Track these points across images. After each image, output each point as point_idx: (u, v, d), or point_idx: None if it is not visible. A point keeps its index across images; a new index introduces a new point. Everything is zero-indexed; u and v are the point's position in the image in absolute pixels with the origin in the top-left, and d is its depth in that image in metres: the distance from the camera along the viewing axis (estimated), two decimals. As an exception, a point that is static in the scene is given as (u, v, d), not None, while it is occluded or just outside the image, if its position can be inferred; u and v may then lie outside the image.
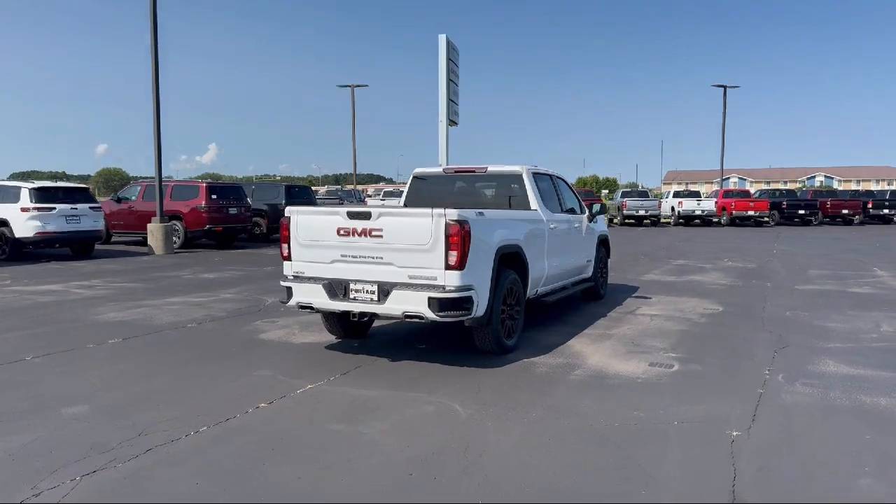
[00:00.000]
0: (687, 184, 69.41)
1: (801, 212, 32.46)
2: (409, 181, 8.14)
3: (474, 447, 4.01)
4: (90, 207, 15.05)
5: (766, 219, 31.79)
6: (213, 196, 17.50)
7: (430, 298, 5.48)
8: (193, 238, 17.71)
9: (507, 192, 7.51)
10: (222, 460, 3.82)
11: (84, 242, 15.39)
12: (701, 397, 5.00)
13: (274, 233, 20.81)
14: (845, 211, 33.05)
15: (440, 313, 5.49)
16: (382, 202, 31.06)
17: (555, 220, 7.63)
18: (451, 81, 37.81)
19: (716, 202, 31.77)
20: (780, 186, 75.06)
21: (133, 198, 18.49)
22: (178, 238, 17.23)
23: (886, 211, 34.64)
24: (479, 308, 5.69)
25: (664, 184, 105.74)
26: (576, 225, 8.50)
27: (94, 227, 15.16)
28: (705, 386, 5.32)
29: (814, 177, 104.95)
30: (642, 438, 4.16)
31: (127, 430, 4.26)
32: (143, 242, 18.15)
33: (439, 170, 8.00)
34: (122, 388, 5.23)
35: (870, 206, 34.29)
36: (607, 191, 62.38)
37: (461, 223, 5.45)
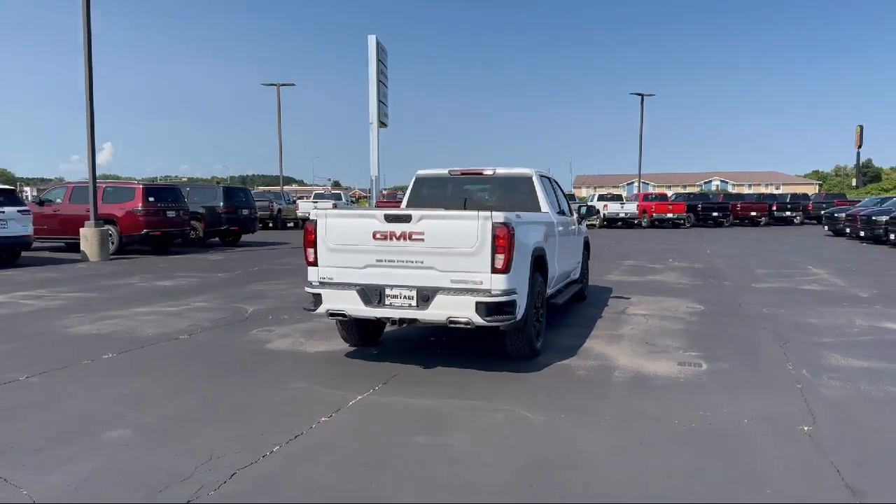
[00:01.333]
0: (596, 187, 72.18)
1: (715, 214, 34.44)
2: (412, 183, 7.96)
3: (573, 455, 3.94)
4: (18, 211, 13.78)
5: (682, 221, 33.44)
6: (151, 199, 16.48)
7: (478, 303, 5.36)
8: (128, 243, 16.62)
9: (517, 194, 7.48)
10: (326, 480, 3.56)
11: (11, 249, 14.07)
12: (748, 395, 5.14)
13: (212, 237, 19.88)
14: (753, 213, 35.30)
15: (487, 318, 5.38)
16: (315, 204, 30.35)
17: (560, 222, 7.68)
18: (381, 83, 37.58)
19: (637, 205, 33.13)
20: (681, 190, 79.45)
21: (58, 200, 17.11)
22: (113, 243, 16.10)
23: (788, 213, 37.35)
24: (520, 311, 5.62)
25: (574, 188, 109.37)
26: (571, 227, 8.59)
27: (23, 233, 13.88)
28: (743, 383, 5.47)
29: (710, 181, 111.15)
30: (725, 437, 4.22)
31: (192, 454, 3.90)
32: (70, 248, 16.88)
33: (444, 171, 7.86)
34: (153, 408, 4.79)
35: (774, 208, 36.83)
36: None
37: (507, 226, 5.37)
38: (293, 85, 45.41)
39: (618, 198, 36.18)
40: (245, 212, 20.03)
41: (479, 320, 5.38)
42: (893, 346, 6.84)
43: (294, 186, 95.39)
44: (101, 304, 9.29)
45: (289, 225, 31.48)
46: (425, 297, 5.53)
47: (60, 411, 4.71)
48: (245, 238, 21.88)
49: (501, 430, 4.36)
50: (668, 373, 5.77)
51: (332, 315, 5.81)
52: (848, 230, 26.66)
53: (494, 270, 5.37)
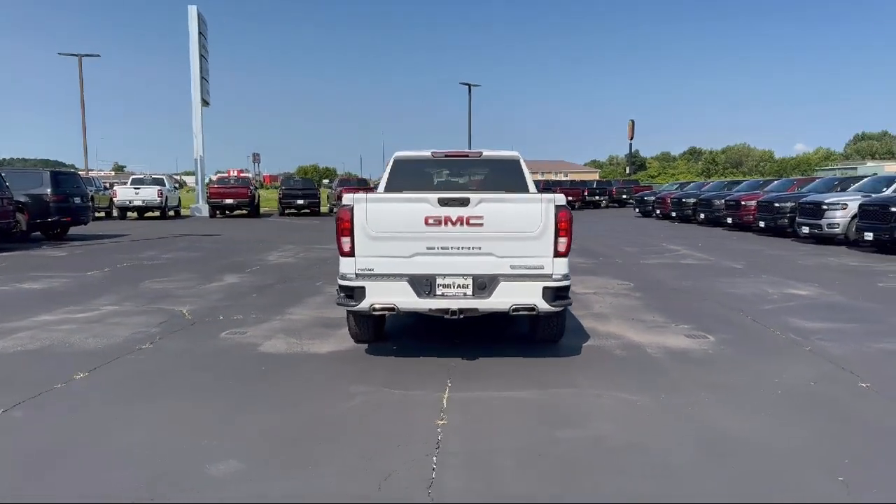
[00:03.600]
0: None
1: (570, 198, 36.95)
2: (391, 164, 7.45)
3: (733, 433, 4.03)
4: None
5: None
6: (-34, 185, 13.60)
7: (545, 288, 5.23)
8: (-63, 239, 13.57)
9: (504, 177, 7.33)
10: (538, 491, 3.26)
11: None
12: (778, 361, 5.63)
13: (37, 230, 16.99)
14: (570, 198, 38.35)
15: (553, 303, 5.27)
16: (136, 190, 27.19)
17: None
18: (203, 57, 34.80)
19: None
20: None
21: None
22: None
23: (597, 197, 41.28)
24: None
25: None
26: None
27: None
28: (759, 351, 5.98)
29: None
30: (819, 400, 4.60)
31: (355, 477, 3.36)
32: None
33: (427, 153, 7.44)
34: (216, 433, 4.02)
35: (586, 193, 40.46)
36: (328, 180, 63.24)
37: (567, 208, 5.29)
38: (98, 56, 40.03)
39: None
40: (77, 200, 17.36)
41: (544, 306, 5.25)
42: (827, 308, 7.89)
43: (103, 172, 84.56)
44: (-19, 315, 7.52)
45: (98, 215, 27.61)
46: (482, 285, 5.26)
47: (108, 451, 3.76)
48: (72, 231, 18.97)
49: (629, 416, 4.31)
50: (688, 346, 6.11)
51: (377, 310, 5.29)
52: (658, 211, 30.19)
53: (557, 254, 5.27)
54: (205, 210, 31.26)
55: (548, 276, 5.27)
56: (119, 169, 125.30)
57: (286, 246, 15.98)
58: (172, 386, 4.95)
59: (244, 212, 29.93)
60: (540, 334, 6.03)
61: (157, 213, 28.07)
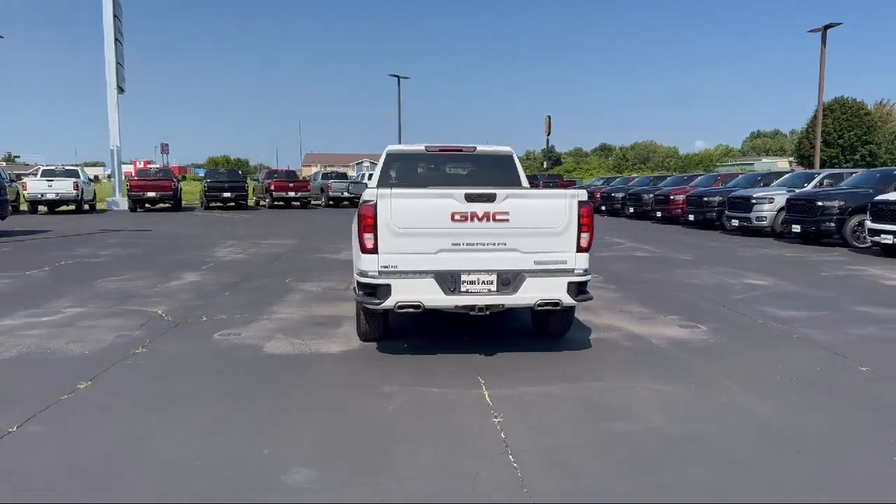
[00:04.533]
0: (325, 166, 72.41)
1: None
2: (383, 158, 7.29)
3: (760, 421, 4.21)
4: None
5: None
6: None
7: (569, 283, 5.28)
8: None
9: (499, 172, 7.34)
10: (619, 483, 3.31)
11: None
12: (772, 349, 5.95)
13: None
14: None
15: (577, 297, 5.34)
16: (49, 183, 25.33)
17: None
18: (118, 41, 32.91)
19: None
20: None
21: None
22: None
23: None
24: None
25: (304, 166, 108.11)
26: None
27: None
28: (753, 340, 6.28)
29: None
30: (832, 386, 4.89)
31: (442, 483, 3.29)
32: None
33: (420, 147, 7.33)
34: (270, 440, 3.84)
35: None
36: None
37: (589, 204, 5.37)
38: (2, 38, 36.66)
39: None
40: (-6, 193, 16.01)
41: (568, 301, 5.31)
42: (789, 297, 8.39)
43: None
44: (-71, 321, 6.83)
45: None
46: (506, 280, 5.26)
47: (174, 458, 3.51)
48: (-15, 226, 17.49)
49: (671, 406, 4.43)
50: (687, 336, 6.35)
51: (402, 307, 5.18)
52: (587, 205, 31.09)
53: (579, 249, 5.33)
54: (123, 204, 29.65)
55: (570, 271, 5.33)
56: (10, 159, 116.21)
57: (228, 242, 15.39)
58: (191, 392, 4.67)
59: (167, 206, 28.57)
60: (551, 328, 6.10)
61: (72, 207, 26.30)
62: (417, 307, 5.20)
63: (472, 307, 5.24)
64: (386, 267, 5.17)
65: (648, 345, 6.03)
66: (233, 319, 7.01)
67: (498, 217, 5.18)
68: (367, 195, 5.16)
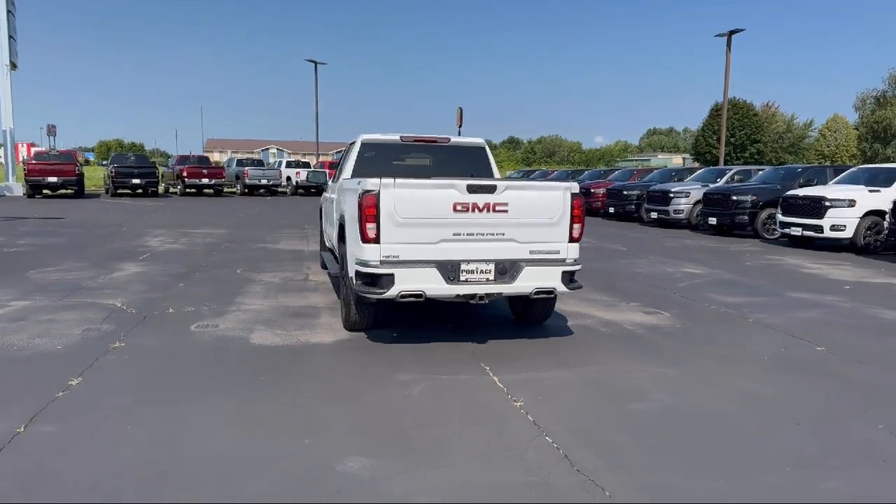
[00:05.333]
0: (231, 151, 69.72)
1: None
2: (358, 148, 7.22)
3: (758, 396, 4.59)
4: None
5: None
6: None
7: (563, 272, 5.50)
8: None
9: (471, 163, 7.45)
10: (659, 459, 3.55)
11: None
12: (735, 332, 6.43)
13: None
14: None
15: (570, 286, 5.56)
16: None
17: None
18: (10, 13, 30.47)
19: (328, 173, 33.70)
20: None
21: None
22: None
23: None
24: None
25: (206, 151, 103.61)
26: None
27: None
28: (714, 324, 6.76)
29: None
30: (801, 364, 5.36)
31: (495, 466, 3.40)
32: None
33: (395, 137, 7.31)
34: (305, 430, 3.81)
35: (432, 177, 41.37)
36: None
37: (580, 196, 5.60)
38: None
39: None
40: None
41: (562, 289, 5.53)
42: (727, 284, 9.03)
43: None
44: None
45: None
46: (503, 269, 5.41)
47: (212, 453, 3.42)
48: None
49: (675, 386, 4.72)
50: (656, 322, 6.74)
51: (404, 297, 5.21)
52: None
53: (571, 239, 5.56)
54: (17, 189, 27.51)
55: (563, 261, 5.54)
56: None
57: (154, 231, 14.68)
58: (195, 385, 4.53)
59: (69, 192, 26.73)
60: (534, 316, 6.31)
61: (-41, 193, 24.10)
62: (419, 296, 5.25)
63: (473, 296, 5.36)
64: (388, 257, 5.19)
65: (624, 330, 6.36)
66: (202, 311, 6.77)
67: (497, 208, 5.31)
68: (370, 185, 5.14)
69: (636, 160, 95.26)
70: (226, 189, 32.16)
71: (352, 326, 5.96)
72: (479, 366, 5.09)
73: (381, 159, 7.30)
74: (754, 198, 15.89)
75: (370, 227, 5.14)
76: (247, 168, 31.57)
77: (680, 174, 21.91)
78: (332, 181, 8.72)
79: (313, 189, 33.55)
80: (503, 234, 5.38)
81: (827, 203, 13.30)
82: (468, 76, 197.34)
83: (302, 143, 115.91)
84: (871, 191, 13.37)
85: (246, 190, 31.87)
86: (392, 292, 5.18)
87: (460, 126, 68.06)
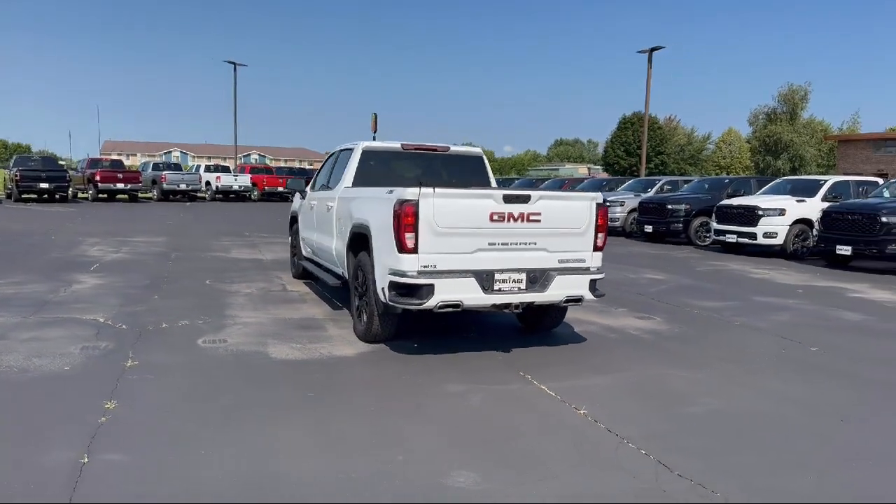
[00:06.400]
0: (129, 154, 66.14)
1: (315, 188, 36.56)
2: (359, 155, 7.05)
3: (790, 396, 4.87)
4: None
5: (291, 194, 34.27)
6: None
7: (591, 281, 5.62)
8: None
9: (469, 172, 7.45)
10: (748, 457, 3.71)
11: None
12: (731, 335, 6.79)
13: None
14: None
15: (595, 294, 5.69)
16: None
17: None
18: None
19: (251, 178, 32.67)
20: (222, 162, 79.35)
21: None
22: None
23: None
24: None
25: (103, 154, 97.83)
26: None
27: None
28: (707, 327, 7.10)
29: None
30: (805, 364, 5.74)
31: (600, 475, 3.45)
32: None
33: (396, 145, 7.20)
34: (392, 446, 3.72)
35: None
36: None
37: (605, 206, 5.75)
38: None
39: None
40: None
41: (589, 296, 5.65)
42: (693, 289, 9.50)
43: None
44: None
45: None
46: (533, 278, 5.47)
47: (314, 476, 3.26)
48: None
49: (714, 389, 4.93)
50: (654, 327, 7.00)
51: (443, 307, 5.16)
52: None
53: (595, 248, 5.70)
54: None
55: (588, 269, 5.67)
56: None
57: (87, 239, 13.75)
58: (245, 403, 4.30)
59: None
60: (547, 323, 6.41)
61: None
62: (458, 306, 5.23)
63: (508, 305, 5.39)
64: (426, 267, 5.13)
65: (630, 336, 6.57)
66: (198, 326, 6.42)
67: (531, 217, 5.37)
68: (409, 194, 5.07)
69: (546, 169, 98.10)
70: (140, 194, 30.51)
71: (373, 338, 5.83)
72: (517, 374, 5.12)
73: (382, 167, 7.20)
74: (688, 207, 16.78)
75: (409, 236, 5.06)
76: (164, 172, 30.04)
77: (611, 184, 22.83)
78: (315, 188, 8.49)
79: (232, 195, 32.47)
80: (535, 244, 5.44)
81: (760, 212, 14.26)
82: (381, 82, 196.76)
83: (209, 146, 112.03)
84: (798, 201, 14.46)
85: (163, 195, 30.36)
86: (431, 303, 5.12)
87: (375, 132, 67.13)
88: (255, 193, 32.74)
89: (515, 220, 5.33)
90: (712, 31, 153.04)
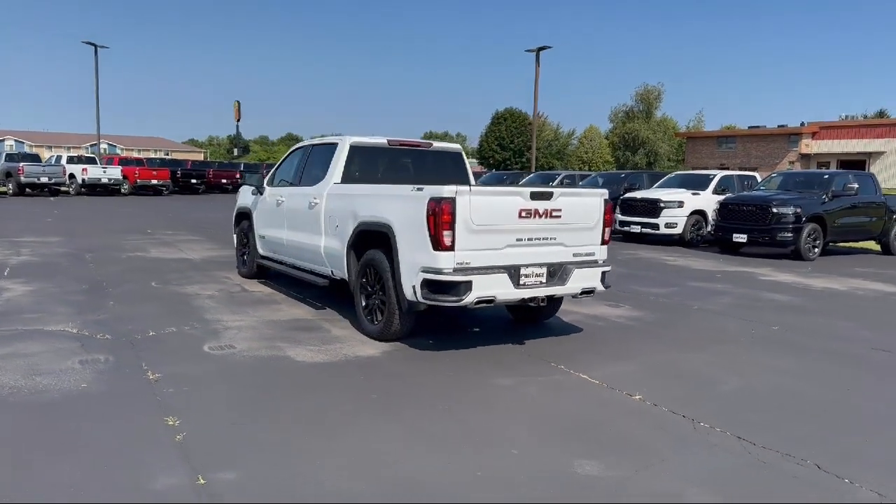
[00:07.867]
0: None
1: (193, 181, 34.47)
2: (346, 151, 6.83)
3: (786, 372, 5.44)
4: None
5: (165, 187, 32.09)
6: None
7: (602, 273, 5.91)
8: None
9: (449, 168, 7.47)
10: (806, 429, 4.14)
11: None
12: (697, 319, 7.41)
13: None
14: (224, 180, 36.75)
15: (605, 286, 5.99)
16: None
17: None
18: None
19: (122, 170, 30.19)
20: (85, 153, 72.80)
21: None
22: None
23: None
24: None
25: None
26: None
27: None
28: (673, 313, 7.68)
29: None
30: (785, 343, 6.41)
31: (704, 458, 3.73)
32: None
33: (382, 141, 7.04)
34: (489, 441, 3.78)
35: (238, 176, 39.08)
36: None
37: (609, 202, 6.07)
38: None
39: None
40: None
41: (601, 288, 5.95)
42: (632, 277, 10.17)
43: None
44: None
45: None
46: (553, 272, 5.68)
47: (438, 484, 3.25)
48: None
49: (727, 369, 5.39)
50: (630, 314, 7.46)
51: (480, 303, 5.22)
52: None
53: (603, 242, 6.00)
54: None
55: (597, 262, 5.96)
56: None
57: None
58: (313, 410, 4.14)
59: None
60: (547, 313, 6.64)
61: None
62: (491, 301, 5.32)
63: (534, 298, 5.56)
64: (461, 264, 5.17)
65: (617, 323, 6.97)
66: (187, 332, 6.01)
67: (554, 213, 5.57)
68: (446, 192, 5.07)
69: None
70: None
71: (392, 336, 5.76)
72: (550, 365, 5.30)
73: (368, 162, 7.07)
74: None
75: (446, 234, 5.07)
76: (22, 164, 26.97)
77: (511, 178, 23.58)
78: (275, 184, 8.14)
79: (100, 189, 29.87)
80: (554, 239, 5.65)
81: (662, 204, 15.44)
82: (246, 69, 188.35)
83: (46, 134, 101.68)
84: (693, 193, 15.81)
85: (19, 190, 27.31)
86: (469, 299, 5.16)
87: (238, 120, 64.78)
88: (126, 187, 30.27)
89: (540, 216, 5.50)
90: (580, 30, 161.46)
